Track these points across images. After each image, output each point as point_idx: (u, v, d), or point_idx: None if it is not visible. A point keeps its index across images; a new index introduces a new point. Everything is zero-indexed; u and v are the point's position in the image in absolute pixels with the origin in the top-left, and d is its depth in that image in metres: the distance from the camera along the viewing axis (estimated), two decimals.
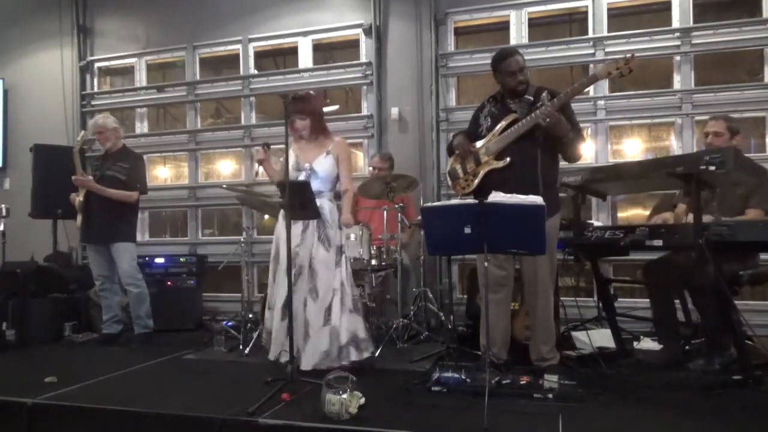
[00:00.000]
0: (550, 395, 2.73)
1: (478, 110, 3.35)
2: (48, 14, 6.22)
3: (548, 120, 2.92)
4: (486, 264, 2.75)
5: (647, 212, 3.99)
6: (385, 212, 4.12)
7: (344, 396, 2.50)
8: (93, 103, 6.22)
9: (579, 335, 3.74)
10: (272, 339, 3.34)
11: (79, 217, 4.36)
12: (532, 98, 3.11)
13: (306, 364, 3.18)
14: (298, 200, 3.09)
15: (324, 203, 3.37)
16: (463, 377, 2.95)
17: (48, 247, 5.35)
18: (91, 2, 6.21)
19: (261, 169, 3.52)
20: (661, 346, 3.48)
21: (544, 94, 3.05)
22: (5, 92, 6.34)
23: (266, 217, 4.73)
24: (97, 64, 6.24)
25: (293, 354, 3.05)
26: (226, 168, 6.14)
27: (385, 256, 4.10)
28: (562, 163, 3.24)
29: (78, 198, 4.35)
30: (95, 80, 6.28)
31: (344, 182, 3.50)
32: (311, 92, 3.55)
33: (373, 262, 4.05)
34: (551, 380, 2.85)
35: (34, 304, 4.78)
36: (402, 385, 2.99)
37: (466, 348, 3.59)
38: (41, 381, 3.22)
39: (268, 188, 4.85)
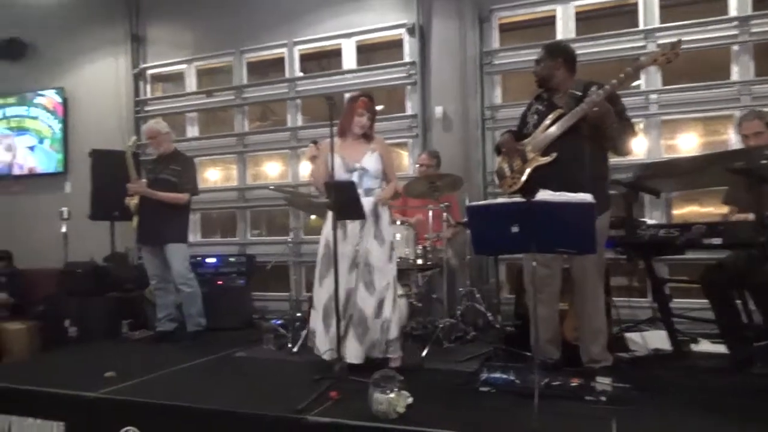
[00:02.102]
0: (603, 398, 2.65)
1: (527, 108, 3.32)
2: (104, 25, 6.45)
3: (595, 109, 2.85)
4: (534, 263, 2.70)
5: (704, 209, 3.84)
6: (430, 212, 4.10)
7: (392, 395, 2.50)
8: (146, 108, 6.43)
9: (633, 336, 3.62)
10: (321, 336, 3.35)
11: (135, 219, 4.49)
12: (579, 93, 3.04)
13: (356, 356, 3.20)
14: (344, 200, 3.11)
15: (377, 200, 3.39)
16: (512, 378, 2.90)
17: (106, 247, 5.55)
18: (143, 12, 6.41)
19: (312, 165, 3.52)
20: (725, 349, 3.33)
21: (594, 88, 2.97)
22: (65, 101, 6.62)
23: (313, 217, 4.78)
24: (149, 71, 6.44)
25: (341, 353, 3.08)
26: (273, 170, 6.24)
27: (430, 256, 4.08)
28: (613, 160, 3.14)
29: (133, 201, 4.48)
30: (148, 87, 6.48)
31: (390, 175, 3.50)
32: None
33: (419, 261, 4.03)
34: (604, 382, 2.77)
35: (94, 303, 4.98)
36: (449, 385, 2.97)
37: (515, 348, 3.53)
38: (101, 376, 3.33)
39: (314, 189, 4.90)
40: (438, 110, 5.19)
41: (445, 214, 4.20)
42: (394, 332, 3.30)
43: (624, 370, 3.07)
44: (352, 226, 3.31)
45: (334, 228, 3.13)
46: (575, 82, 3.13)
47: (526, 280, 3.26)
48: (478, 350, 3.70)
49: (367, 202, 3.31)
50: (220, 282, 5.25)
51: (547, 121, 3.08)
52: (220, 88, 6.14)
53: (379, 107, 5.36)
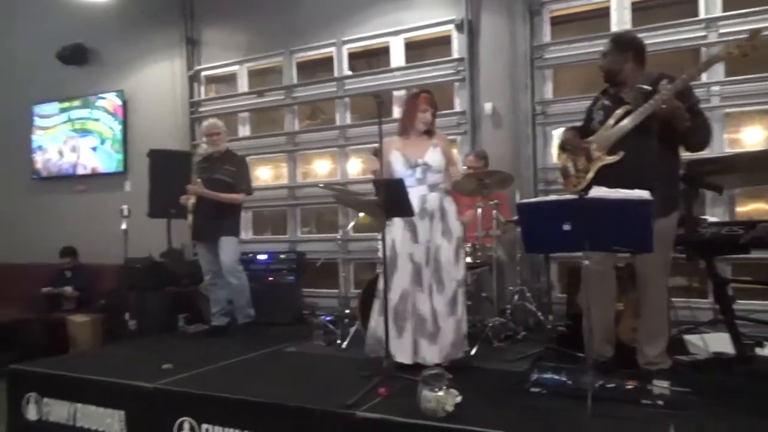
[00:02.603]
0: (660, 402, 2.56)
1: (592, 103, 3.21)
2: (161, 29, 6.67)
3: (664, 106, 2.73)
4: (586, 262, 2.63)
5: None
6: (479, 209, 4.05)
7: (440, 393, 2.49)
8: (200, 109, 6.61)
9: (693, 339, 3.48)
10: (394, 341, 3.24)
11: (190, 217, 4.63)
12: (648, 87, 2.89)
13: (436, 357, 3.17)
14: (393, 198, 3.11)
15: (442, 195, 3.37)
16: (564, 379, 2.84)
17: (163, 244, 5.74)
18: (198, 15, 6.59)
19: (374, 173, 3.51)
20: None
21: (664, 82, 2.82)
22: (125, 103, 6.88)
23: (361, 215, 4.81)
24: (203, 73, 6.62)
25: (389, 349, 3.08)
26: (322, 167, 6.30)
27: (480, 254, 4.03)
28: None
29: (190, 201, 4.60)
30: (202, 88, 6.66)
31: (453, 166, 3.49)
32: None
33: (468, 259, 3.99)
34: (661, 386, 2.67)
35: (152, 297, 5.17)
36: (499, 385, 2.93)
37: (566, 349, 3.45)
38: (159, 367, 3.46)
39: (363, 186, 4.92)
40: (487, 106, 5.12)
41: (494, 212, 4.14)
42: (464, 328, 3.30)
43: (683, 374, 2.96)
44: (422, 224, 3.30)
45: (382, 226, 3.14)
46: (644, 75, 2.98)
47: (583, 277, 3.17)
48: (529, 350, 3.64)
49: (433, 198, 3.30)
50: (270, 278, 5.35)
51: (613, 119, 2.98)
52: (271, 88, 6.25)
53: None
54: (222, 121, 4.93)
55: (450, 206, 3.38)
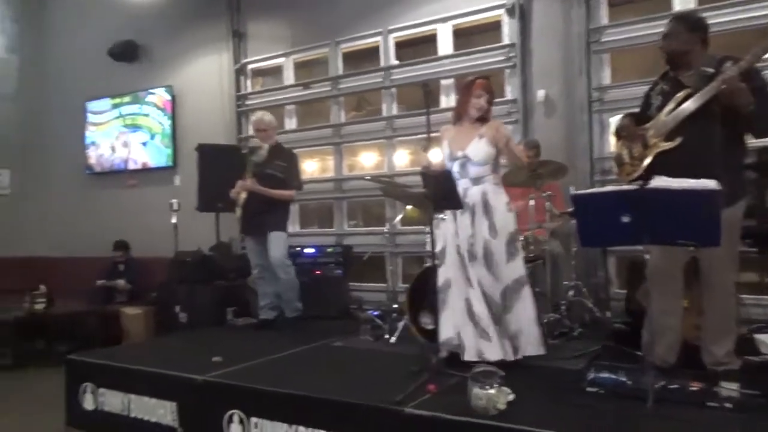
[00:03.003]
0: (728, 405, 2.45)
1: (650, 88, 3.09)
2: (208, 24, 6.82)
3: (724, 87, 2.60)
4: (647, 256, 2.54)
5: None
6: (532, 201, 3.98)
7: (492, 391, 2.46)
8: (247, 102, 6.72)
9: (764, 338, 3.32)
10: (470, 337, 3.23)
11: (238, 210, 4.69)
12: (711, 70, 2.76)
13: (498, 354, 3.11)
14: (441, 191, 3.08)
15: (487, 188, 3.30)
16: (623, 379, 2.76)
17: (211, 238, 5.90)
18: (244, 8, 6.70)
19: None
20: None
21: (729, 63, 2.69)
22: (173, 98, 7.08)
23: (409, 207, 4.80)
24: (249, 66, 6.73)
25: (439, 345, 3.07)
26: (368, 160, 6.33)
27: (533, 248, 3.97)
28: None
29: (241, 195, 4.64)
30: (248, 81, 6.78)
31: (517, 152, 3.43)
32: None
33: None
34: (730, 388, 2.56)
35: (201, 290, 5.33)
36: (553, 384, 2.87)
37: (625, 347, 3.36)
38: (209, 360, 3.55)
39: (411, 179, 4.91)
40: (540, 94, 5.01)
41: (547, 204, 4.06)
42: (535, 327, 3.23)
43: (753, 375, 2.82)
44: (462, 218, 3.27)
45: (430, 219, 3.12)
46: (707, 57, 2.84)
47: (647, 273, 3.07)
48: (585, 348, 3.55)
49: (475, 192, 3.25)
50: (317, 272, 5.42)
51: (672, 104, 2.87)
52: (317, 79, 6.30)
53: None
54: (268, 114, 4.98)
55: (497, 200, 3.29)
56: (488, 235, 3.23)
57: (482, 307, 3.17)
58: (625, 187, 2.48)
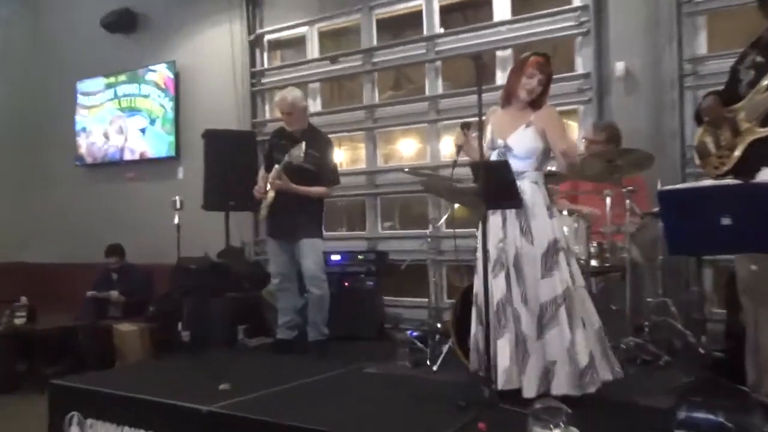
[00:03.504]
0: None
1: (737, 62, 3.04)
2: None
3: None
4: (754, 267, 2.48)
5: None
6: (608, 198, 3.93)
7: None
8: (263, 80, 6.83)
9: None
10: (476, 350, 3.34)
11: (265, 210, 4.66)
12: None
13: (529, 390, 3.08)
14: (496, 185, 3.07)
15: (525, 186, 3.29)
16: (721, 419, 2.69)
17: (220, 241, 6.00)
18: None
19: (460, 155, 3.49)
20: None
21: None
22: (177, 75, 7.23)
23: (456, 206, 4.78)
24: (266, 37, 6.84)
25: (492, 374, 3.05)
26: (408, 148, 6.33)
27: (608, 256, 3.93)
28: None
29: (269, 194, 4.59)
30: (265, 55, 6.88)
31: (559, 144, 3.32)
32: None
33: (593, 263, 3.90)
34: None
35: (209, 304, 5.41)
36: (634, 424, 2.84)
37: (725, 380, 3.28)
38: (215, 387, 3.61)
39: (459, 171, 4.89)
40: (619, 66, 4.94)
41: (628, 202, 4.00)
42: (583, 358, 3.10)
43: None
44: (493, 218, 3.27)
45: (483, 220, 3.11)
46: None
47: (740, 288, 3.00)
48: (674, 380, 3.48)
49: None
50: (346, 283, 5.45)
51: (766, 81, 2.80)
52: (346, 52, 6.35)
53: None
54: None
55: (536, 200, 3.28)
56: (523, 242, 3.23)
57: (517, 328, 3.17)
58: (726, 181, 2.43)
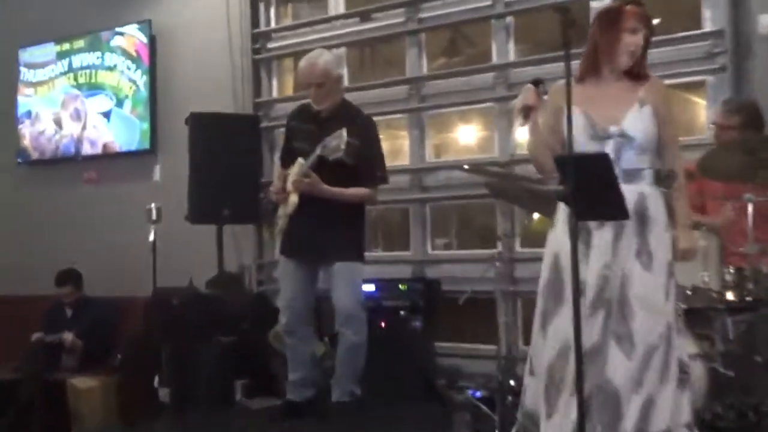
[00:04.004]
0: None
1: None
2: None
3: None
4: None
5: None
6: (750, 206, 3.88)
7: None
8: (269, 45, 6.90)
9: None
10: (543, 422, 3.34)
11: (282, 221, 4.67)
12: None
13: None
14: (591, 187, 3.05)
15: (646, 190, 3.29)
16: None
17: (211, 265, 6.02)
18: None
19: (526, 124, 3.48)
20: None
21: None
22: (153, 40, 7.32)
23: (536, 216, 4.75)
24: None
25: None
26: (467, 136, 6.32)
27: (750, 286, 3.87)
28: None
29: (292, 198, 4.55)
30: (271, 11, 6.95)
31: (672, 151, 3.36)
32: None
33: (729, 295, 3.86)
34: None
35: (195, 351, 5.43)
36: None
37: None
38: None
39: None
40: (763, 21, 4.89)
41: None
42: (685, 415, 3.17)
43: None
44: (600, 233, 3.25)
45: (573, 234, 3.09)
46: None
47: None
48: None
49: (629, 193, 3.22)
50: (382, 323, 5.44)
51: None
52: (383, 5, 6.37)
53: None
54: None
55: (658, 210, 3.28)
56: (638, 265, 3.21)
57: (605, 385, 3.16)
58: None
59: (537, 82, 3.41)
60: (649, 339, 3.17)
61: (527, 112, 3.41)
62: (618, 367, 3.18)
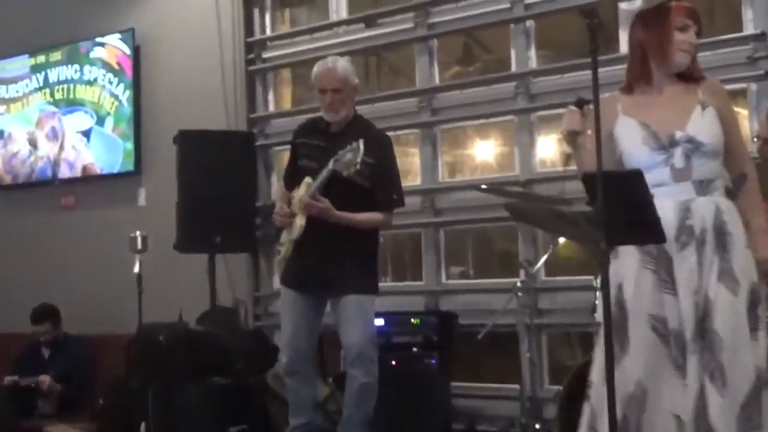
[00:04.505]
0: None
1: None
2: None
3: None
4: None
5: None
6: None
7: None
8: (264, 55, 6.92)
9: None
10: None
11: (285, 247, 4.70)
12: None
13: None
14: (624, 207, 3.04)
15: (721, 203, 3.25)
16: None
17: (202, 299, 6.02)
18: None
19: (572, 148, 3.45)
20: None
21: None
22: (137, 50, 7.35)
23: (562, 241, 4.74)
24: None
25: None
26: (484, 152, 6.32)
27: None
28: None
29: (299, 222, 4.55)
30: (267, 17, 6.98)
31: (741, 153, 3.34)
32: None
33: None
34: None
35: (185, 394, 5.43)
36: None
37: None
38: None
39: (563, 186, 4.87)
40: None
41: None
42: None
43: None
44: (683, 256, 3.19)
45: (602, 261, 3.08)
46: None
47: None
48: None
49: (704, 207, 3.19)
50: (393, 361, 5.43)
51: None
52: (389, 9, 6.40)
53: None
54: (304, 72, 4.96)
55: (736, 225, 3.23)
56: (722, 289, 3.14)
57: (704, 421, 3.07)
58: None
59: (581, 103, 3.36)
60: (745, 372, 3.10)
61: (573, 138, 3.37)
62: (714, 405, 3.09)
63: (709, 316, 3.13)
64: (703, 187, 3.23)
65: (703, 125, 3.25)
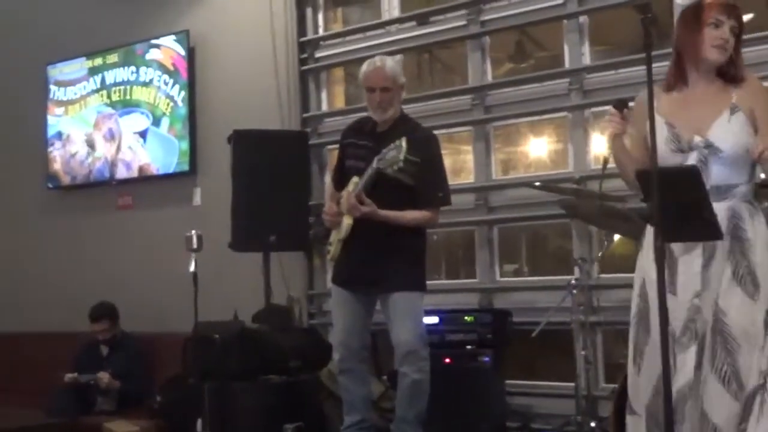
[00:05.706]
0: None
1: None
2: None
3: None
4: None
5: None
6: None
7: None
8: (317, 54, 6.95)
9: None
10: None
11: (334, 247, 4.74)
12: None
13: None
14: (679, 204, 3.02)
15: (738, 207, 3.24)
16: None
17: (257, 297, 6.06)
18: None
19: (611, 150, 3.45)
20: None
21: None
22: (191, 52, 7.40)
23: (616, 238, 4.70)
24: None
25: None
26: (538, 149, 6.29)
27: None
28: None
29: (347, 221, 4.59)
30: (320, 17, 7.01)
31: None
32: None
33: None
34: None
35: (240, 392, 5.45)
36: None
37: None
38: None
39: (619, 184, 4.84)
40: None
41: None
42: None
43: None
44: (687, 259, 3.22)
45: (658, 258, 3.06)
46: None
47: None
48: None
49: (719, 211, 3.17)
50: (447, 359, 5.42)
51: None
52: (441, 6, 6.40)
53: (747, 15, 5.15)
54: (355, 70, 4.96)
55: (756, 230, 3.22)
56: (737, 291, 3.16)
57: (709, 420, 3.12)
58: None
59: (621, 105, 3.37)
60: (752, 371, 3.11)
61: (614, 140, 3.39)
62: (721, 404, 3.13)
63: (725, 317, 3.13)
64: (720, 192, 3.21)
65: (725, 132, 3.24)
